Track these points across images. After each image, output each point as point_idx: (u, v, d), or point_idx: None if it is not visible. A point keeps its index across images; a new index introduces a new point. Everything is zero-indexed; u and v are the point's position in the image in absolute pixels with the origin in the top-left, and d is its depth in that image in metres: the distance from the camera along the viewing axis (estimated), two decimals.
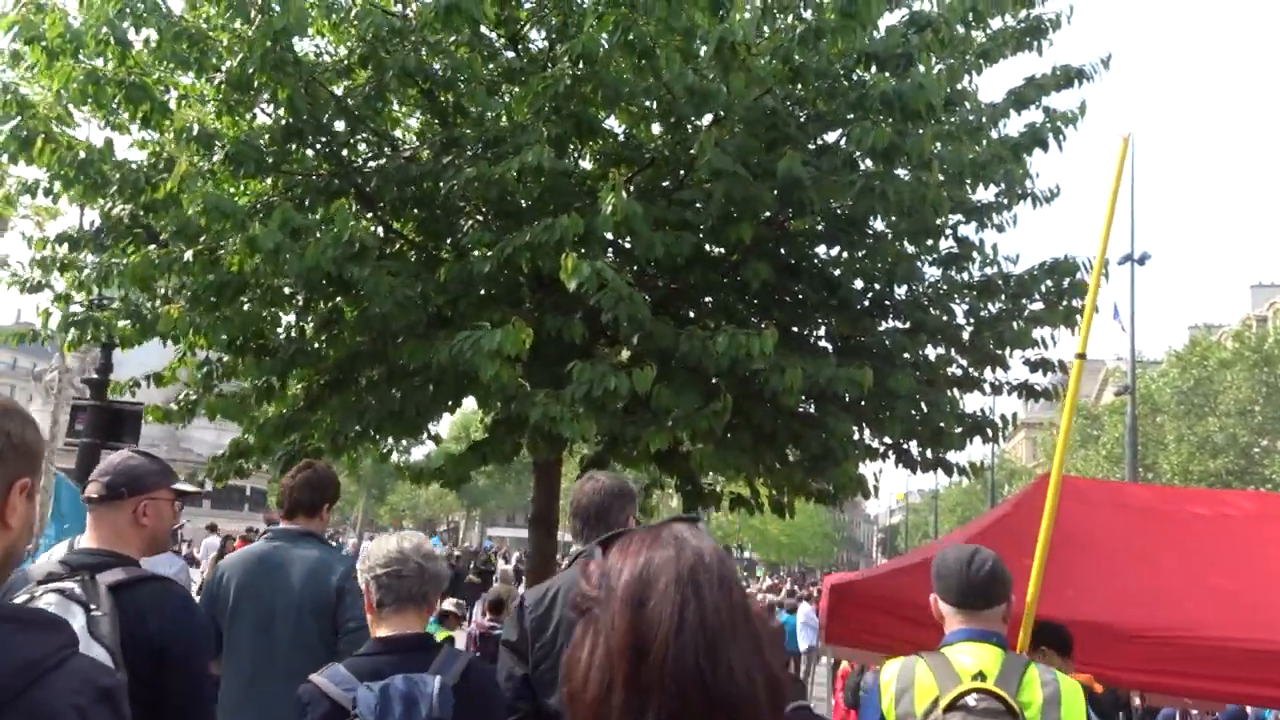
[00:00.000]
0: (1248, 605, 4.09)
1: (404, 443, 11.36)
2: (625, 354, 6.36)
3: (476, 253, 6.19)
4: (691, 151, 5.87)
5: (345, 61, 6.76)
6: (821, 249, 7.47)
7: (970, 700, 2.27)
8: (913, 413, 7.29)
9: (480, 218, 6.83)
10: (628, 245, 7.03)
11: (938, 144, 6.14)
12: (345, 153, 6.93)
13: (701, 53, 5.85)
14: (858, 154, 6.03)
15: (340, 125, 6.79)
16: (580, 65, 5.68)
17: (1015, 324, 7.48)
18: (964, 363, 7.97)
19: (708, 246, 7.00)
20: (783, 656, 1.21)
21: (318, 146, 6.84)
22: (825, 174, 5.86)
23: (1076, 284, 7.34)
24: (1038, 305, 7.52)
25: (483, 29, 6.45)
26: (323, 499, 3.77)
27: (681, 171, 6.68)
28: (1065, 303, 7.38)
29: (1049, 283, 7.44)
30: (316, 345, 7.13)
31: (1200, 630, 4.03)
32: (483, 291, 6.94)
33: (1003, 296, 7.57)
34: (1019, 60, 7.21)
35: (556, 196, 6.02)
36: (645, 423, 5.99)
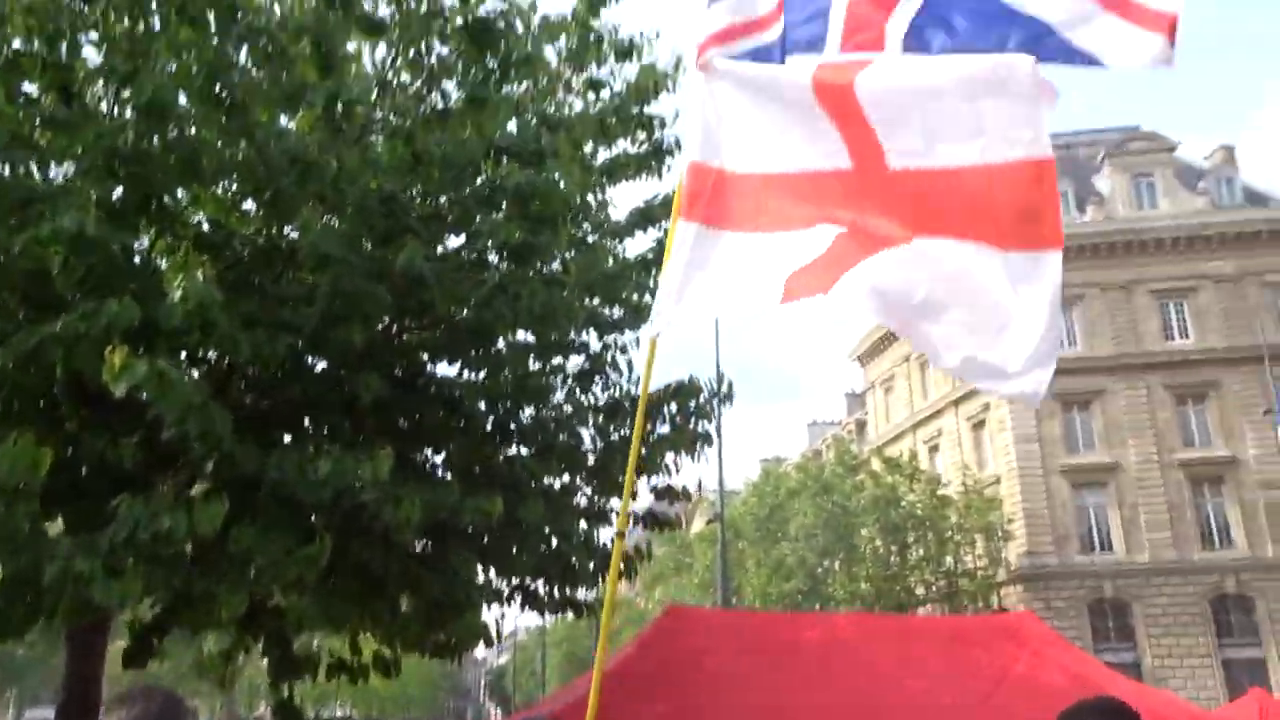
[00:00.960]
0: (858, 715, 4.53)
1: None
2: (199, 488, 5.02)
3: None
4: (294, 236, 4.88)
5: None
6: (444, 366, 6.71)
7: None
8: (542, 548, 6.62)
9: None
10: (209, 356, 5.75)
11: (571, 250, 5.73)
12: None
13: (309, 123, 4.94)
14: (489, 253, 5.41)
15: None
16: (150, 119, 4.51)
17: (643, 449, 7.19)
18: (588, 491, 7.53)
19: (310, 358, 5.93)
20: None
21: None
22: (451, 271, 5.14)
23: (701, 408, 7.25)
24: (664, 429, 7.32)
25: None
26: None
27: (281, 266, 5.61)
28: (692, 426, 7.24)
29: (674, 405, 7.28)
30: None
31: None
32: None
33: (629, 419, 7.27)
34: (642, 183, 7.21)
35: (109, 280, 4.66)
36: (221, 574, 4.66)
